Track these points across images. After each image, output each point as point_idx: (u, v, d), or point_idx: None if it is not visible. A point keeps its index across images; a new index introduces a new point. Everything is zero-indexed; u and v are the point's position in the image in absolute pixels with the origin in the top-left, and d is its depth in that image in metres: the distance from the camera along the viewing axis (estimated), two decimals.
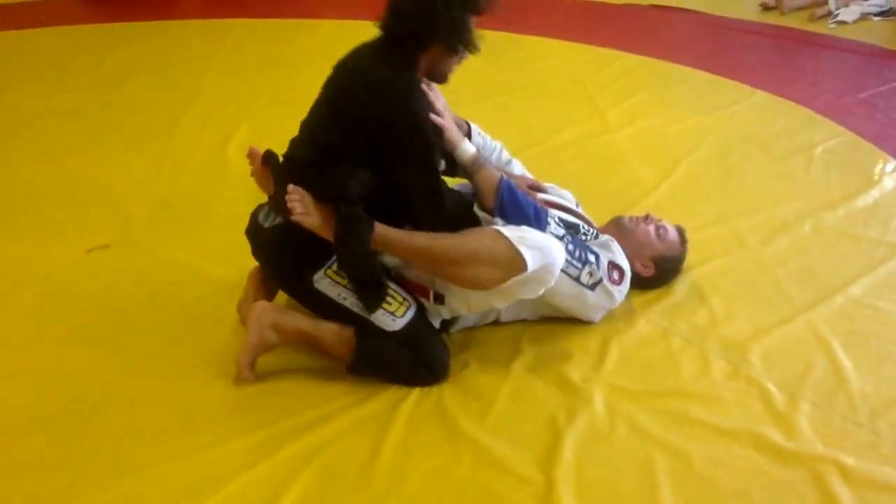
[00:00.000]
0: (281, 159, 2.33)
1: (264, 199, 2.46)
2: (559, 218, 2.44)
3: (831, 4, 5.86)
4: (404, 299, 2.29)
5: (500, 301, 2.29)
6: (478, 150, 2.38)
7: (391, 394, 2.24)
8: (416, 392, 2.24)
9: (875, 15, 5.85)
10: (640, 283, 2.63)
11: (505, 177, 2.37)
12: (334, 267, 2.24)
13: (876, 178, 3.48)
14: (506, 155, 2.71)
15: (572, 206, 2.72)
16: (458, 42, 2.19)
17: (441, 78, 2.29)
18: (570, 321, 2.51)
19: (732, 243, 2.98)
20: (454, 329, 2.47)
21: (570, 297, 2.42)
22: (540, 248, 2.18)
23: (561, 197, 2.74)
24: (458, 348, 2.41)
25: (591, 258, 2.40)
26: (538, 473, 1.99)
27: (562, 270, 2.28)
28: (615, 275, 2.46)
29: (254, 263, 2.50)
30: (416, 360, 2.26)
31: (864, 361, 2.37)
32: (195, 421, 2.17)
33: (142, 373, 2.35)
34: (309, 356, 2.35)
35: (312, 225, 2.17)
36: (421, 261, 2.26)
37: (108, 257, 2.92)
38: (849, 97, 4.44)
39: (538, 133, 3.90)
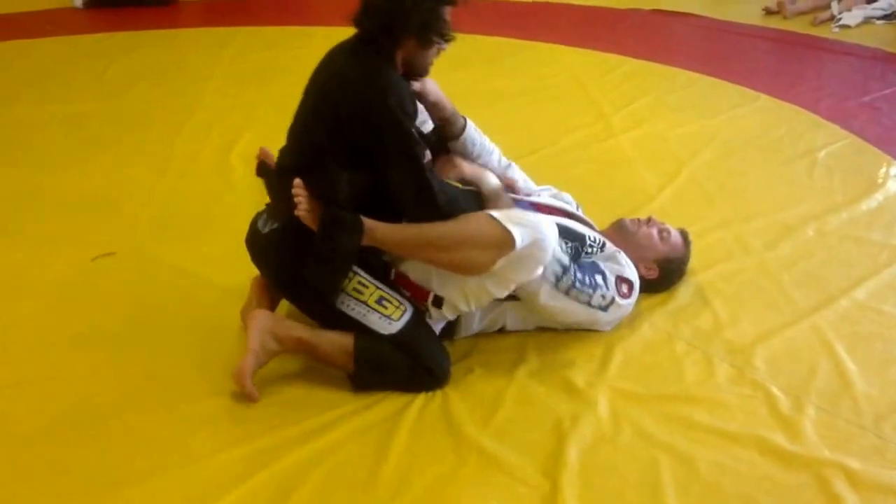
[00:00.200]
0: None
1: None
2: (566, 228, 2.44)
3: (834, 8, 5.86)
4: (400, 303, 2.28)
5: (497, 287, 2.25)
6: (500, 183, 2.44)
7: (395, 400, 2.23)
8: (420, 398, 2.24)
9: (878, 19, 5.85)
10: (646, 286, 2.62)
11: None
12: None
13: (880, 181, 3.48)
14: (504, 160, 2.70)
15: (573, 209, 2.72)
16: (430, 34, 2.19)
17: (422, 71, 2.29)
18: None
19: (736, 247, 2.98)
20: (458, 336, 2.46)
21: (586, 321, 2.45)
22: (528, 224, 2.17)
23: (561, 200, 2.74)
24: (461, 355, 2.41)
25: (600, 280, 2.40)
26: (543, 479, 1.98)
27: (574, 299, 2.33)
28: (624, 289, 2.47)
29: (257, 271, 2.50)
30: (415, 364, 2.25)
31: (868, 365, 2.37)
32: (200, 428, 2.17)
33: (146, 380, 2.35)
34: (311, 363, 2.34)
35: (315, 222, 2.17)
36: (414, 252, 2.26)
37: (112, 265, 2.92)
38: (852, 101, 4.43)
39: (542, 137, 3.90)
